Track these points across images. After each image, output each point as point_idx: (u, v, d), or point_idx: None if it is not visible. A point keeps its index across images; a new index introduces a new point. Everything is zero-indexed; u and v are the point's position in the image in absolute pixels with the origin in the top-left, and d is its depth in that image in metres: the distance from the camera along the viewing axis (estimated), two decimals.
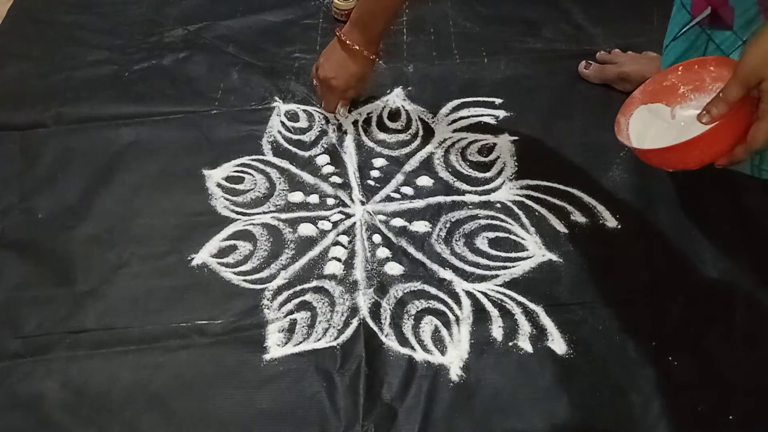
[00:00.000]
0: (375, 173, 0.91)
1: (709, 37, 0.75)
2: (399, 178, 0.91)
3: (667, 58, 0.82)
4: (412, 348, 0.74)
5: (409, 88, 1.02)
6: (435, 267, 0.81)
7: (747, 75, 0.58)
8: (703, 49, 0.76)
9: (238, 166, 0.93)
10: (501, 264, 0.81)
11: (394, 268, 0.81)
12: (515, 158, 0.92)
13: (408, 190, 0.89)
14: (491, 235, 0.84)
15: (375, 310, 0.77)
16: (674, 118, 0.69)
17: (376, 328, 0.75)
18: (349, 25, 0.89)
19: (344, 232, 0.85)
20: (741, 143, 0.60)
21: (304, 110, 1.00)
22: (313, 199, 0.89)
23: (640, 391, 0.70)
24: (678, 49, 0.79)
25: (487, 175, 0.91)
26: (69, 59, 1.08)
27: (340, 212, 0.87)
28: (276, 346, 0.74)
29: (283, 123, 0.98)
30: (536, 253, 0.82)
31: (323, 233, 0.85)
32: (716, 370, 0.71)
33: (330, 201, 0.88)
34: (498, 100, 1.00)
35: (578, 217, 0.85)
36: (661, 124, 0.69)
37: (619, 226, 0.83)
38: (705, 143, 0.61)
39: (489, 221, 0.85)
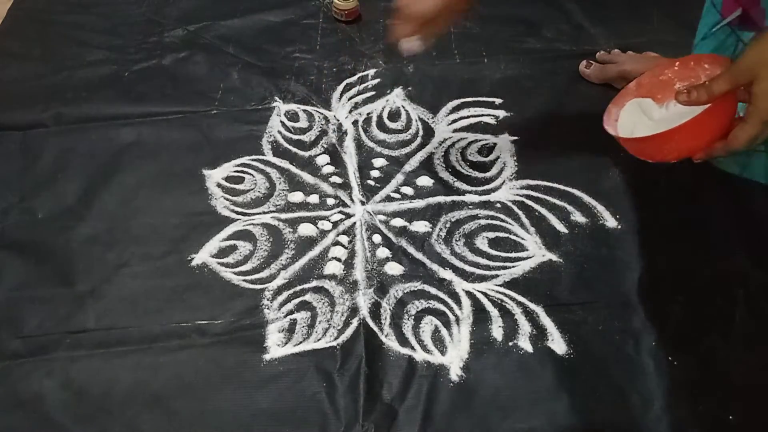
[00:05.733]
0: (375, 173, 0.91)
1: (739, 38, 0.75)
2: (399, 178, 0.91)
3: None
4: (412, 348, 0.74)
5: (409, 88, 1.02)
6: (435, 267, 0.81)
7: (739, 72, 0.58)
8: (733, 50, 0.76)
9: (238, 166, 0.93)
10: (501, 264, 0.81)
11: (394, 268, 0.81)
12: (515, 158, 0.92)
13: (408, 190, 0.89)
14: (491, 235, 0.84)
15: (375, 310, 0.77)
16: (667, 111, 0.70)
17: (376, 328, 0.75)
18: None
19: (344, 232, 0.85)
20: (720, 140, 0.61)
21: (304, 110, 1.00)
22: (313, 199, 0.89)
23: (640, 391, 0.70)
24: (707, 48, 0.79)
25: (487, 175, 0.91)
26: (69, 59, 1.08)
27: (340, 212, 0.87)
28: (276, 346, 0.74)
29: (283, 123, 0.98)
30: (536, 253, 0.82)
31: (323, 233, 0.85)
32: (716, 370, 0.71)
33: (330, 201, 0.88)
34: (498, 100, 1.00)
35: (578, 217, 0.85)
36: (647, 120, 0.71)
37: (619, 226, 0.83)
38: (682, 136, 0.61)
39: (489, 221, 0.85)
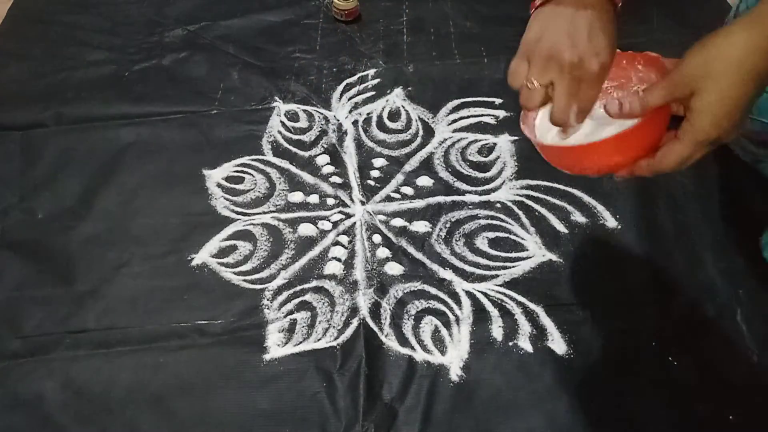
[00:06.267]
0: (375, 173, 0.91)
1: None
2: (399, 178, 0.91)
3: None
4: (412, 348, 0.74)
5: (409, 88, 1.02)
6: (435, 267, 0.81)
7: (677, 82, 0.50)
8: None
9: (238, 166, 0.93)
10: (501, 264, 0.81)
11: (394, 268, 0.81)
12: (515, 158, 0.92)
13: (408, 190, 0.89)
14: (491, 235, 0.84)
15: (375, 310, 0.77)
16: (591, 113, 0.59)
17: (376, 328, 0.75)
18: None
19: (344, 232, 0.85)
20: (647, 158, 0.52)
21: (304, 110, 1.00)
22: (313, 199, 0.89)
23: (640, 391, 0.70)
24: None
25: (487, 175, 0.91)
26: (69, 59, 1.08)
27: (340, 212, 0.87)
28: (276, 346, 0.74)
29: (283, 123, 0.98)
30: (536, 253, 0.82)
31: (323, 233, 0.85)
32: (716, 370, 0.71)
33: (330, 201, 0.88)
34: (498, 100, 1.00)
35: (578, 217, 0.85)
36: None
37: (619, 226, 0.83)
38: (605, 150, 0.53)
39: (489, 221, 0.85)
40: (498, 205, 0.87)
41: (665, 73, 0.53)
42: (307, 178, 0.91)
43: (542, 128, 0.60)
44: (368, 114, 0.99)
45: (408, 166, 0.92)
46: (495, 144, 0.94)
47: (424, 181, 0.90)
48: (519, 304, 0.77)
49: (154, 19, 1.15)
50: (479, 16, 1.13)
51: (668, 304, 0.76)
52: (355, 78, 1.04)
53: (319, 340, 0.75)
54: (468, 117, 0.98)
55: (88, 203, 0.89)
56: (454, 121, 0.98)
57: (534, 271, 0.80)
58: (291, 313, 0.77)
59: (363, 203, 0.88)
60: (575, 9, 0.56)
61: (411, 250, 0.83)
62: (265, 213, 0.87)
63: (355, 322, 0.76)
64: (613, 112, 0.52)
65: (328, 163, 0.93)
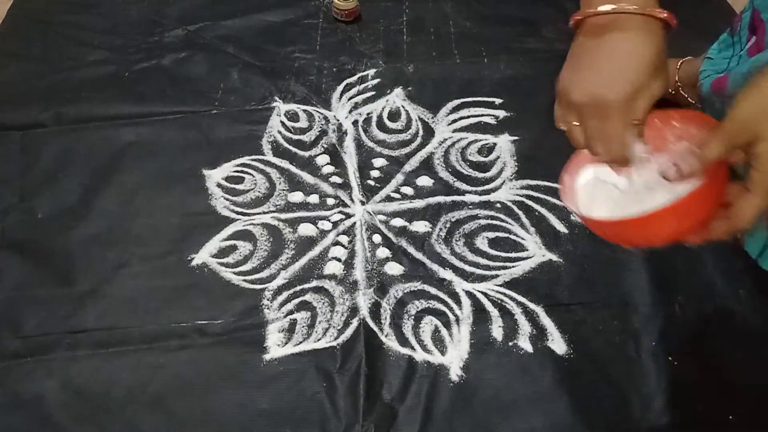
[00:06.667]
0: (375, 173, 0.91)
1: None
2: (399, 178, 0.91)
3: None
4: (412, 348, 0.74)
5: (409, 88, 1.02)
6: (435, 267, 0.81)
7: (735, 130, 0.45)
8: None
9: (238, 166, 0.93)
10: (501, 264, 0.81)
11: (394, 268, 0.81)
12: (515, 158, 0.92)
13: (408, 190, 0.89)
14: (491, 235, 0.84)
15: (375, 310, 0.77)
16: (630, 181, 0.54)
17: (376, 328, 0.75)
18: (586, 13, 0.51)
19: (344, 232, 0.85)
20: (718, 217, 0.47)
21: (304, 110, 1.00)
22: (313, 199, 0.89)
23: (640, 391, 0.70)
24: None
25: (487, 175, 0.91)
26: (69, 59, 1.08)
27: (340, 212, 0.87)
28: (276, 346, 0.74)
29: (283, 123, 0.98)
30: (536, 253, 0.82)
31: (323, 233, 0.85)
32: (716, 370, 0.71)
33: (330, 201, 0.88)
34: (498, 100, 1.00)
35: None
36: (611, 189, 0.55)
37: None
38: (666, 219, 0.47)
39: (489, 221, 0.85)
40: (498, 205, 0.87)
41: (704, 124, 0.49)
42: (307, 178, 0.91)
43: (584, 200, 0.55)
44: (368, 114, 0.99)
45: (408, 166, 0.92)
46: (495, 144, 0.94)
47: (424, 181, 0.90)
48: (519, 304, 0.77)
49: (154, 19, 1.15)
50: (479, 16, 1.13)
51: (668, 304, 0.76)
52: (355, 78, 1.04)
53: (319, 340, 0.75)
54: (468, 117, 0.98)
55: (88, 203, 0.89)
56: (454, 121, 0.98)
57: (534, 271, 0.80)
58: (291, 313, 0.77)
59: (363, 203, 0.88)
60: (602, 36, 0.50)
61: (411, 250, 0.83)
62: (265, 213, 0.87)
63: (355, 322, 0.76)
64: (671, 176, 0.47)
65: (328, 163, 0.93)
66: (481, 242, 0.83)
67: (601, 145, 0.51)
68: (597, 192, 0.55)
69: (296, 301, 0.78)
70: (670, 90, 0.95)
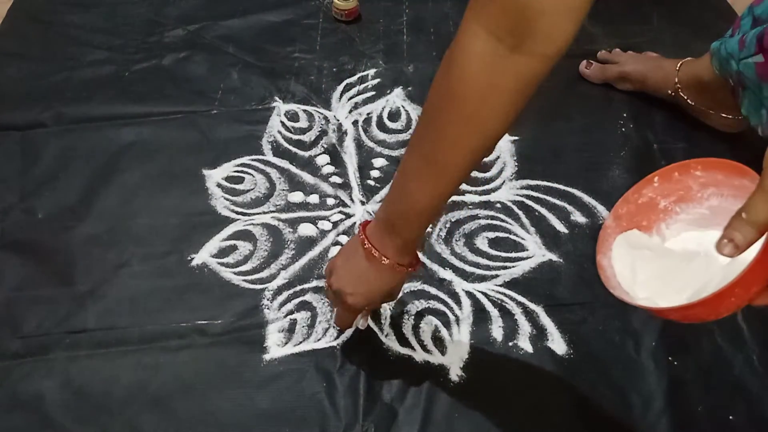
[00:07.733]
0: (375, 173, 0.91)
1: None
2: None
3: None
4: (412, 348, 0.74)
5: (409, 88, 1.02)
6: (435, 267, 0.81)
7: None
8: None
9: (238, 166, 0.93)
10: (501, 264, 0.81)
11: None
12: (515, 158, 0.92)
13: None
14: (491, 235, 0.84)
15: (375, 310, 0.77)
16: (662, 238, 0.54)
17: (376, 328, 0.75)
18: (375, 225, 0.62)
19: (344, 232, 0.85)
20: None
21: (304, 110, 1.00)
22: (313, 199, 0.89)
23: (640, 391, 0.70)
24: None
25: (487, 175, 0.91)
26: (69, 59, 1.08)
27: (340, 212, 0.87)
28: (276, 346, 0.74)
29: (283, 123, 0.98)
30: (536, 253, 0.82)
31: (323, 233, 0.85)
32: (716, 370, 0.71)
33: (330, 201, 0.88)
34: None
35: (578, 217, 0.85)
36: (646, 254, 0.55)
37: None
38: (739, 288, 0.45)
39: (489, 221, 0.85)
40: (498, 205, 0.87)
41: (730, 170, 0.47)
42: (307, 178, 0.91)
43: (623, 276, 0.55)
44: (368, 114, 0.99)
45: None
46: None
47: None
48: (519, 304, 0.77)
49: (154, 19, 1.15)
50: None
51: None
52: (355, 78, 1.04)
53: (319, 340, 0.75)
54: None
55: (88, 203, 0.88)
56: None
57: (534, 271, 0.80)
58: (291, 313, 0.77)
59: (363, 203, 0.88)
60: (369, 256, 0.62)
61: None
62: (265, 213, 0.87)
63: None
64: (729, 253, 0.42)
65: (328, 163, 0.93)
66: (481, 242, 0.83)
67: (335, 317, 0.74)
68: (636, 264, 0.54)
69: (296, 301, 0.78)
70: (669, 92, 0.94)
